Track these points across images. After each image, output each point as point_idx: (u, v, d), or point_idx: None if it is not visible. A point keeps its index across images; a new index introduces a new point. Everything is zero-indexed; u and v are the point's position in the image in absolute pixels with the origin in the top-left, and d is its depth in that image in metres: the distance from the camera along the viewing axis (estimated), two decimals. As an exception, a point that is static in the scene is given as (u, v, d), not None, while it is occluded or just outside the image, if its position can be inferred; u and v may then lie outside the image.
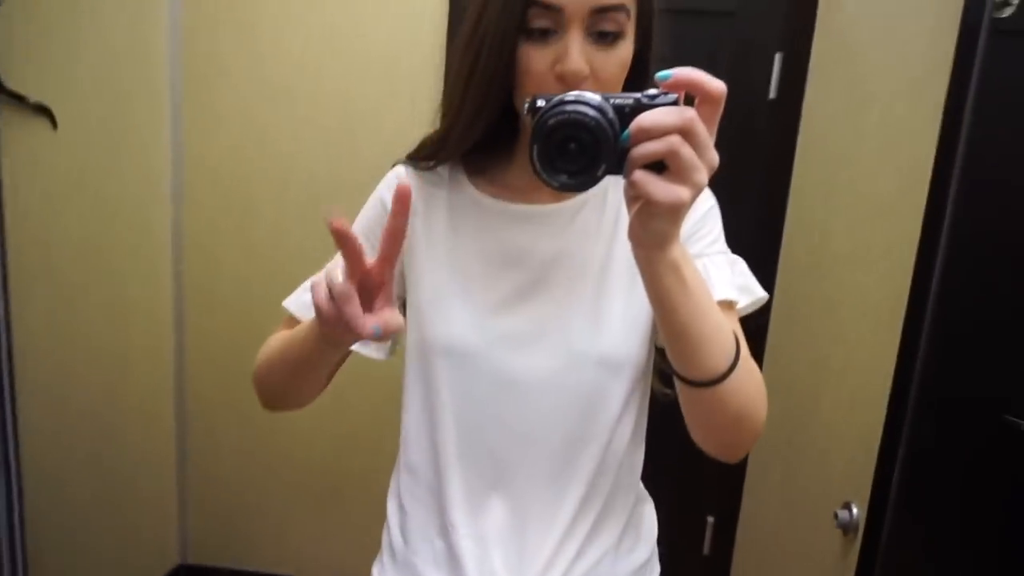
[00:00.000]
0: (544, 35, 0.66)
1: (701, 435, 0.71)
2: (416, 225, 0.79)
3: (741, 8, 1.69)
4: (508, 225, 0.78)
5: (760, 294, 0.78)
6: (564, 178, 0.55)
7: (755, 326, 1.79)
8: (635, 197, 0.55)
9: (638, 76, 0.71)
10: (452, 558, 0.78)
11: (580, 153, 0.54)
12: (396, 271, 0.77)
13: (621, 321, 0.75)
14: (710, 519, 1.96)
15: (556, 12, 0.65)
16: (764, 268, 1.76)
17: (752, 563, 1.82)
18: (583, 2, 0.64)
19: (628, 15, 0.67)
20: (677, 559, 1.99)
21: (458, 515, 0.78)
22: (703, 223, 0.78)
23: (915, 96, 1.13)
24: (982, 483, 1.19)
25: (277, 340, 0.80)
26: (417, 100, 1.79)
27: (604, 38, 0.66)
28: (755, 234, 1.78)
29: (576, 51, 0.65)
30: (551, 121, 0.53)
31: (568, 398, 0.75)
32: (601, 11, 0.65)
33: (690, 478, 1.96)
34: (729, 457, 0.73)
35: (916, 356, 1.02)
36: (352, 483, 2.01)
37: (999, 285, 1.14)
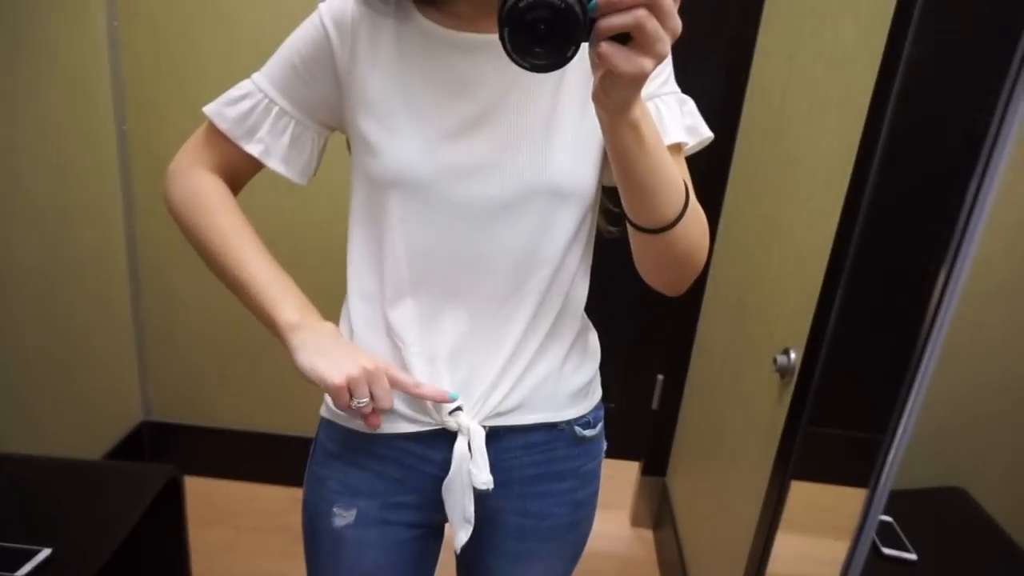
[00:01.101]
0: None
1: (649, 273, 0.78)
2: (361, 51, 0.78)
3: None
4: (458, 55, 0.77)
5: (707, 133, 0.82)
6: (536, 60, 0.56)
7: (712, 188, 1.81)
8: (601, 66, 0.56)
9: None
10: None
11: (550, 34, 0.54)
12: (330, 101, 0.81)
13: (570, 151, 0.77)
14: (660, 377, 2.06)
15: None
16: (724, 131, 1.76)
17: (697, 413, 1.93)
18: None
19: None
20: (628, 413, 2.12)
21: (409, 334, 0.81)
22: None
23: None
24: (910, 334, 1.27)
25: (217, 219, 0.84)
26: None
27: None
28: (718, 96, 1.76)
29: None
30: (521, 3, 0.53)
31: (518, 226, 0.78)
32: None
33: (642, 339, 2.04)
34: (673, 291, 0.81)
35: (859, 209, 1.04)
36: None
37: (946, 140, 1.15)
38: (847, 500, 1.54)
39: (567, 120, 0.77)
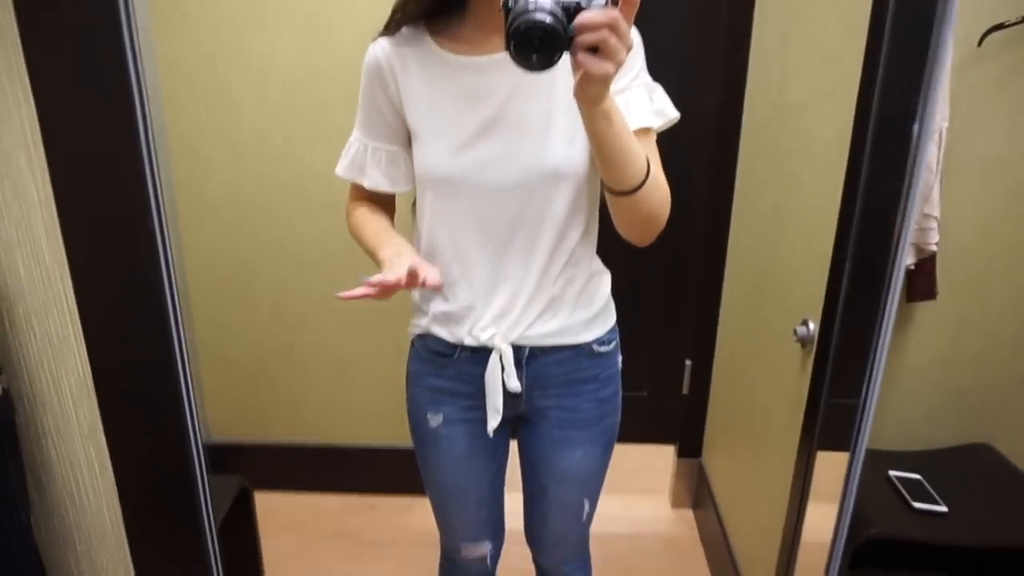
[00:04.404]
0: None
1: (623, 228, 1.01)
2: (400, 80, 1.03)
3: None
4: (469, 74, 1.00)
5: (673, 115, 1.04)
6: (534, 64, 0.78)
7: (723, 176, 1.93)
8: (578, 70, 0.79)
9: None
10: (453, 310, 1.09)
11: (542, 45, 0.77)
12: (398, 123, 1.07)
13: (564, 140, 1.00)
14: (688, 362, 2.17)
15: None
16: (728, 124, 1.88)
17: (726, 393, 2.04)
18: None
19: None
20: (660, 399, 2.23)
21: (457, 282, 1.08)
22: (627, 61, 0.97)
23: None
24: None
25: (358, 220, 1.13)
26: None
27: None
28: (719, 92, 1.87)
29: None
30: (522, 26, 0.76)
31: (527, 201, 1.02)
32: None
33: (668, 327, 2.15)
34: (641, 243, 1.03)
35: (857, 189, 1.16)
36: (356, 359, 2.18)
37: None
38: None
39: (560, 116, 0.99)
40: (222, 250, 2.09)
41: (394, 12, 1.02)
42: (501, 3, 0.79)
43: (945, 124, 1.49)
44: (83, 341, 0.84)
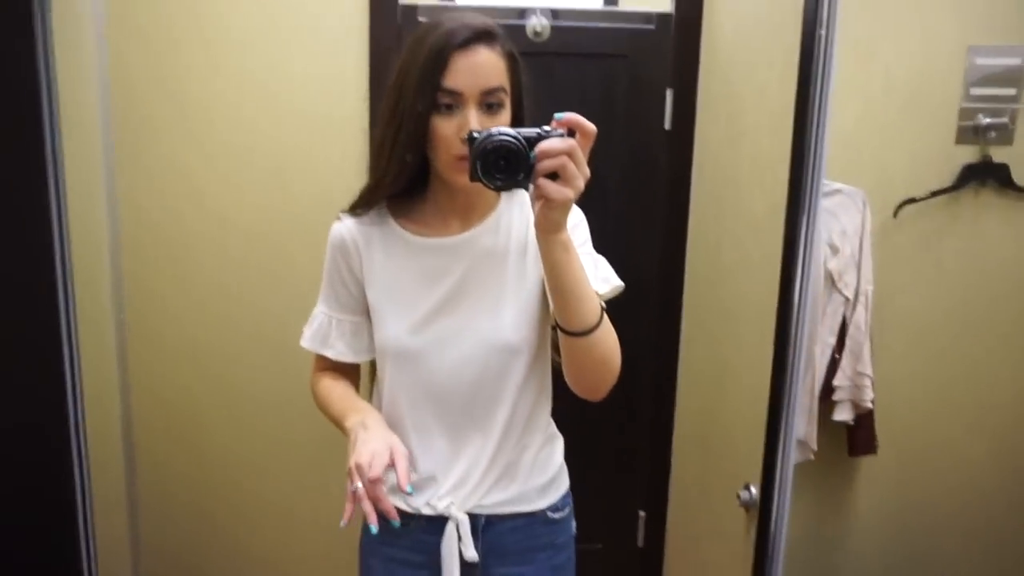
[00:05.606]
0: (449, 109, 0.93)
1: (574, 377, 1.01)
2: (363, 257, 1.07)
3: (632, 51, 1.88)
4: (428, 254, 1.06)
5: (617, 283, 1.07)
6: (498, 182, 0.85)
7: (669, 333, 1.97)
8: (539, 197, 0.84)
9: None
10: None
11: (507, 166, 0.85)
12: (363, 296, 1.09)
13: (516, 317, 1.05)
14: (642, 514, 2.13)
15: (457, 94, 0.93)
16: (672, 281, 1.95)
17: (681, 549, 1.99)
18: (475, 86, 0.94)
19: (506, 91, 0.96)
20: (614, 552, 2.16)
21: (415, 452, 1.08)
22: (573, 232, 1.03)
23: (773, 130, 1.32)
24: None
25: (323, 390, 1.14)
26: (344, 152, 1.91)
27: (491, 108, 0.96)
28: (662, 250, 1.95)
29: (474, 119, 0.92)
30: (489, 147, 0.84)
31: (483, 375, 1.05)
32: (487, 92, 0.95)
33: (622, 479, 2.12)
34: (594, 396, 1.03)
35: (787, 353, 1.20)
36: (304, 510, 2.11)
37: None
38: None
39: (511, 294, 1.05)
40: (172, 393, 2.05)
41: (362, 195, 1.07)
42: (466, 136, 0.87)
43: (871, 287, 1.57)
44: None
